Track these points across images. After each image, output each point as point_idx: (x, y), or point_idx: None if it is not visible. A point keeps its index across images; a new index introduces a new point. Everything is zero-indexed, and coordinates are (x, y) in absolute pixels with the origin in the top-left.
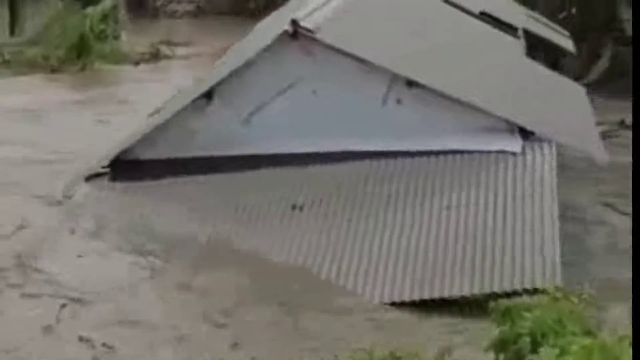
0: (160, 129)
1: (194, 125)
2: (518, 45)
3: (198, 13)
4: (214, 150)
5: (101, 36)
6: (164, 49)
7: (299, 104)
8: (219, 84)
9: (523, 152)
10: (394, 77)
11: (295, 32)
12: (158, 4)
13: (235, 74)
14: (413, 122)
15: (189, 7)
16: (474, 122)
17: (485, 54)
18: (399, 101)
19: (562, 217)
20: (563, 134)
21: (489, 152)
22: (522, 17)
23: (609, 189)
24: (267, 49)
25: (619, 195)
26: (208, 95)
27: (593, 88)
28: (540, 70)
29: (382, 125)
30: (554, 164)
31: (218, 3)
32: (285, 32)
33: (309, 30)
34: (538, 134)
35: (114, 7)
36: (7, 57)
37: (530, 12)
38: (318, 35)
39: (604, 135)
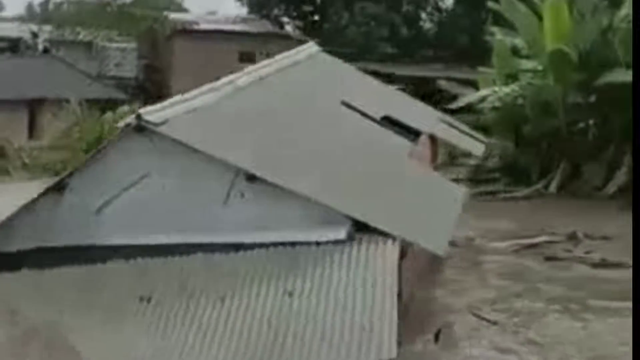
0: (13, 221)
1: (47, 217)
2: (405, 148)
3: None
4: (68, 241)
5: None
6: None
7: (148, 197)
8: (71, 176)
9: (360, 244)
10: (237, 172)
11: (141, 126)
12: None
13: (86, 166)
14: (255, 215)
15: None
16: (313, 215)
17: (353, 154)
18: (242, 195)
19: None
20: (405, 229)
21: (326, 242)
22: (432, 122)
23: None
24: (114, 142)
25: None
26: (61, 187)
27: (612, 197)
28: (417, 172)
29: (227, 218)
30: (394, 256)
31: None
32: (129, 125)
33: (153, 124)
34: (380, 228)
35: (133, 112)
36: (26, 160)
37: (447, 118)
38: (161, 129)
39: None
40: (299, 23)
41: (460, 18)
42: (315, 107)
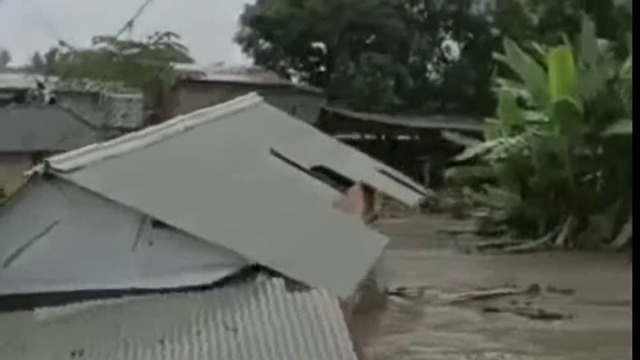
0: None
1: None
2: (330, 197)
3: None
4: None
5: None
6: None
7: (58, 246)
8: None
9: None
10: (144, 219)
11: (49, 174)
12: None
13: None
14: (162, 261)
15: None
16: (217, 260)
17: (271, 202)
18: (150, 242)
19: None
20: (307, 272)
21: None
22: (368, 172)
23: None
24: (23, 191)
25: None
26: None
27: (621, 250)
28: (336, 219)
29: (136, 264)
30: (286, 302)
31: None
32: (37, 173)
33: (61, 171)
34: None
35: None
36: None
37: (385, 168)
38: (69, 177)
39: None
40: (305, 74)
41: (466, 69)
42: (240, 156)
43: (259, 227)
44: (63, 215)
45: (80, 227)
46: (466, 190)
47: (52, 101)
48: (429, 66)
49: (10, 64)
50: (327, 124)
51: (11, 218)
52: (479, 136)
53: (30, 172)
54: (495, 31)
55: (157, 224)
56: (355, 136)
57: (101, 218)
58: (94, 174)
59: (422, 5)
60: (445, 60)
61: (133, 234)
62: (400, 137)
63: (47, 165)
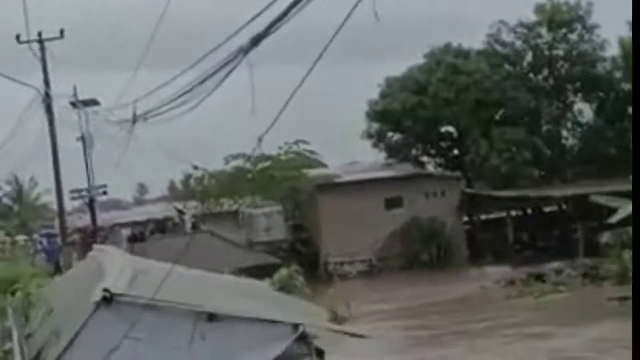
0: None
1: None
2: None
3: (371, 272)
4: None
5: None
6: (342, 312)
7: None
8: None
9: None
10: (197, 316)
11: (109, 298)
12: (330, 267)
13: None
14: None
15: (361, 266)
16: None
17: None
18: (203, 337)
19: None
20: None
21: None
22: None
23: None
24: (84, 324)
25: None
26: None
27: None
28: None
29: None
30: None
31: (391, 259)
32: (98, 301)
33: (121, 295)
34: None
35: (290, 276)
36: None
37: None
38: (131, 295)
39: None
40: (439, 160)
41: (603, 129)
42: None
43: None
44: (123, 338)
45: (140, 342)
46: (626, 253)
47: (193, 226)
48: (564, 132)
49: (147, 196)
50: (470, 205)
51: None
52: (628, 195)
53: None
54: (626, 86)
55: (210, 316)
56: (502, 214)
57: (157, 328)
58: (137, 291)
59: (546, 72)
60: (579, 124)
61: (188, 333)
62: (547, 209)
63: (108, 291)
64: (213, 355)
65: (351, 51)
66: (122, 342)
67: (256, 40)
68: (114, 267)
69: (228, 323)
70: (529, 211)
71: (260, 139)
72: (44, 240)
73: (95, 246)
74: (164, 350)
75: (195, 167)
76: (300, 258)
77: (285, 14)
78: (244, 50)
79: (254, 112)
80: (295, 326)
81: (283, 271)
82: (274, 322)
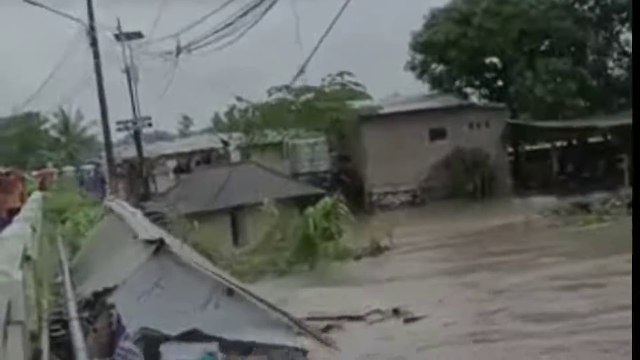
0: None
1: None
2: None
3: (414, 202)
4: None
5: (325, 234)
6: (384, 242)
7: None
8: None
9: None
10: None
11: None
12: (374, 198)
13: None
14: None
15: (405, 197)
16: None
17: None
18: (216, 305)
19: None
20: None
21: None
22: None
23: None
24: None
25: None
26: None
27: None
28: None
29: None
30: None
31: (434, 190)
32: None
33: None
34: None
35: (334, 205)
36: (235, 267)
37: None
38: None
39: None
40: (483, 91)
41: None
42: None
43: None
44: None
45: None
46: None
47: (239, 157)
48: (610, 63)
49: (193, 128)
50: (514, 136)
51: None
52: None
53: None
54: None
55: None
56: (546, 145)
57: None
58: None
59: (592, 2)
60: (626, 54)
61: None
62: (593, 140)
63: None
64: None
65: None
66: (153, 289)
67: None
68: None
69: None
70: (574, 142)
71: (302, 69)
72: (91, 171)
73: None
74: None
75: (239, 99)
76: (344, 189)
77: None
78: None
79: (298, 42)
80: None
81: (327, 199)
82: None
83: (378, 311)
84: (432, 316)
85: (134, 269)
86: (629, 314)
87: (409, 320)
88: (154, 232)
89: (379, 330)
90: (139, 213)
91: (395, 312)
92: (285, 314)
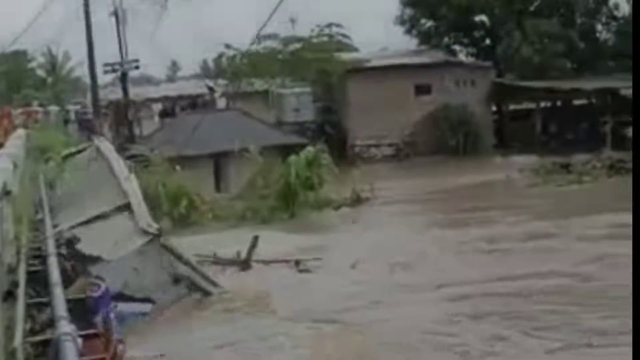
0: None
1: None
2: None
3: (397, 156)
4: None
5: (307, 184)
6: (365, 193)
7: None
8: None
9: None
10: None
11: None
12: (357, 149)
13: None
14: None
15: (388, 150)
16: None
17: None
18: None
19: None
20: None
21: None
22: None
23: None
24: None
25: None
26: None
27: None
28: None
29: None
30: None
31: (417, 144)
32: None
33: None
34: None
35: (317, 155)
36: (217, 212)
37: None
38: None
39: None
40: (471, 49)
41: None
42: None
43: None
44: None
45: None
46: None
47: (224, 104)
48: (599, 26)
49: (180, 73)
50: (499, 95)
51: None
52: None
53: None
54: None
55: None
56: (531, 105)
57: None
58: None
59: None
60: (614, 18)
61: None
62: (577, 102)
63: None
64: None
65: None
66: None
67: None
68: None
69: None
70: (559, 103)
71: (292, 20)
72: (77, 112)
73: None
74: None
75: (228, 46)
76: (328, 139)
77: None
78: None
79: None
80: None
81: (310, 149)
82: None
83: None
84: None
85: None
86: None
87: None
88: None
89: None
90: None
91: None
92: None
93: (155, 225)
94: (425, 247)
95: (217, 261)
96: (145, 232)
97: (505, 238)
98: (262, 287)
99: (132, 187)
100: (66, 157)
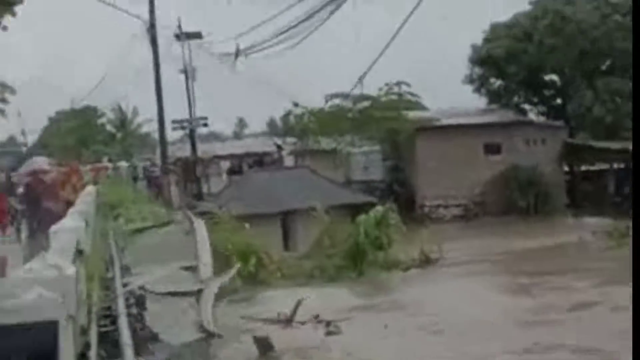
0: None
1: None
2: None
3: (466, 216)
4: None
5: (376, 243)
6: (434, 254)
7: None
8: None
9: None
10: None
11: None
12: (426, 209)
13: None
14: None
15: (457, 210)
16: None
17: None
18: None
19: None
20: None
21: None
22: None
23: None
24: None
25: None
26: None
27: None
28: None
29: None
30: None
31: (487, 204)
32: None
33: None
34: None
35: (386, 214)
36: (285, 270)
37: None
38: None
39: None
40: (541, 108)
41: None
42: None
43: None
44: None
45: None
46: None
47: (292, 162)
48: None
49: (247, 131)
50: (571, 155)
51: None
52: None
53: None
54: None
55: None
56: (603, 166)
57: None
58: None
59: None
60: None
61: None
62: None
63: None
64: None
65: None
66: None
67: None
68: None
69: None
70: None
71: (360, 79)
72: (146, 168)
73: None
74: None
75: (296, 105)
76: (397, 198)
77: None
78: None
79: (357, 50)
80: None
81: (379, 208)
82: None
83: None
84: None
85: None
86: None
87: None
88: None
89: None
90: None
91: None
92: None
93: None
94: (482, 313)
95: (264, 320)
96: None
97: (581, 306)
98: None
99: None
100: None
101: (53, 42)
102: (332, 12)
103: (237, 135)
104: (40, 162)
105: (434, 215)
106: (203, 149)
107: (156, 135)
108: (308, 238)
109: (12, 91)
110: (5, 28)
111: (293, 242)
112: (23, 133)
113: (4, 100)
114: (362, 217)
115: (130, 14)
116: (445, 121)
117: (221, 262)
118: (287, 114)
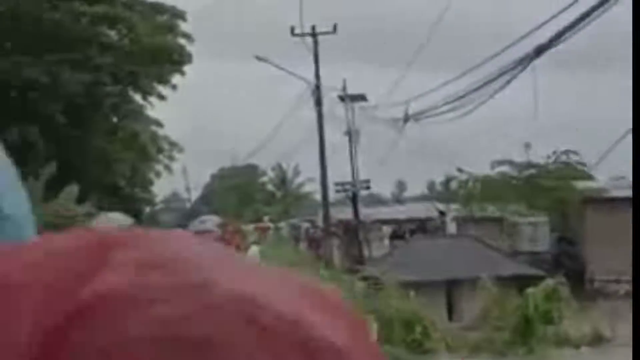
0: None
1: None
2: None
3: None
4: None
5: (546, 317)
6: (606, 332)
7: None
8: None
9: None
10: None
11: None
12: (596, 284)
13: None
14: None
15: (629, 287)
16: None
17: None
18: None
19: None
20: None
21: None
22: None
23: None
24: None
25: None
26: None
27: None
28: None
29: None
30: None
31: None
32: None
33: None
34: None
35: (556, 288)
36: (450, 341)
37: None
38: None
39: None
40: None
41: None
42: None
43: None
44: None
45: None
46: None
47: (456, 229)
48: None
49: (405, 194)
50: None
51: None
52: None
53: None
54: None
55: None
56: None
57: None
58: None
59: None
60: None
61: None
62: None
63: None
64: None
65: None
66: None
67: (540, 51)
68: None
69: None
70: None
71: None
72: (307, 229)
73: None
74: None
75: (460, 170)
76: (565, 272)
77: (570, 27)
78: (529, 59)
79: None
80: None
81: (549, 281)
82: None
83: None
84: None
85: None
86: None
87: None
88: None
89: None
90: None
91: None
92: None
93: None
94: None
95: None
96: None
97: None
98: None
99: None
100: None
101: (220, 103)
102: (508, 82)
103: (396, 198)
104: (209, 221)
105: (605, 290)
106: (364, 213)
107: (316, 196)
108: (473, 309)
109: (180, 149)
110: (175, 87)
111: (457, 312)
112: (187, 189)
113: (171, 157)
114: (531, 290)
115: (296, 75)
116: (615, 193)
117: (387, 329)
118: (449, 179)
